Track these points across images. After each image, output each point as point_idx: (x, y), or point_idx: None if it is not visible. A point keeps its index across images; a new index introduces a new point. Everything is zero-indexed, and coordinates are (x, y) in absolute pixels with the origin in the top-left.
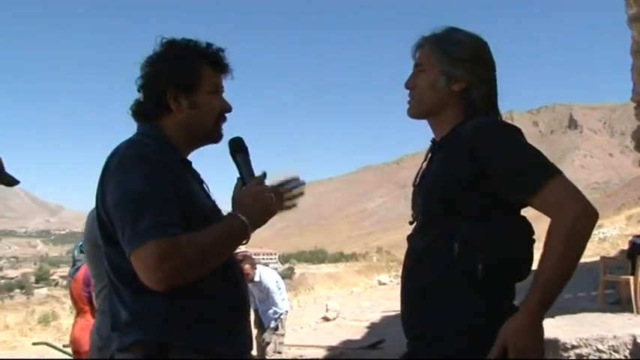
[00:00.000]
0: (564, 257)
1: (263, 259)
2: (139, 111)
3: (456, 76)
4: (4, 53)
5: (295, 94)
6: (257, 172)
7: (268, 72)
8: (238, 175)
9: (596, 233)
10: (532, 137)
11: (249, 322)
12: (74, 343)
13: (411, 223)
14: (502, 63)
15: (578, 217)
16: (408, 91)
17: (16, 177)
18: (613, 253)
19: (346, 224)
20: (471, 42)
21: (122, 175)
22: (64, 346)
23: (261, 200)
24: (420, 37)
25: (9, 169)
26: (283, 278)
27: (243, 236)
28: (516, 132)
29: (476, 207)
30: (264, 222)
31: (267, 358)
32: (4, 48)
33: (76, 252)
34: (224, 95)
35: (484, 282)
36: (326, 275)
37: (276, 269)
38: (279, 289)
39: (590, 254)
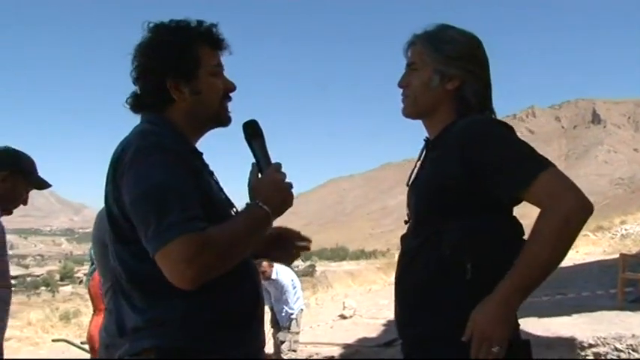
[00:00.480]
0: (552, 246)
1: None
2: (138, 104)
3: (449, 75)
4: (26, 50)
5: (316, 90)
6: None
7: (289, 67)
8: (254, 161)
9: (619, 230)
10: (554, 133)
11: (263, 319)
12: (90, 340)
13: (406, 222)
14: (523, 58)
15: (572, 209)
16: (401, 90)
17: (41, 175)
18: (635, 250)
19: (367, 221)
20: (464, 40)
21: (141, 167)
22: (81, 343)
23: (281, 189)
24: (412, 35)
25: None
26: (304, 276)
27: (267, 226)
28: (507, 129)
29: (466, 206)
30: (283, 211)
31: (283, 356)
32: (26, 44)
33: (92, 251)
34: (225, 73)
35: (473, 281)
36: (345, 273)
37: (297, 267)
38: (294, 287)
39: (612, 251)
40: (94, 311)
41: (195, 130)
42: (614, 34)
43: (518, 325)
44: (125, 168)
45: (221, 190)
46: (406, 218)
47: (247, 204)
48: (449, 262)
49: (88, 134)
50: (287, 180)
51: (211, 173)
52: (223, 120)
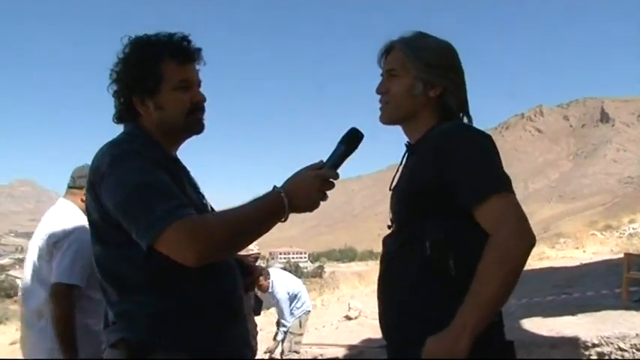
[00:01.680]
0: (495, 284)
1: (293, 258)
2: (116, 117)
3: (432, 82)
4: (44, 49)
5: (322, 90)
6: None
7: (298, 66)
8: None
9: (627, 228)
10: (563, 132)
11: (242, 317)
12: None
13: (389, 227)
14: (530, 57)
15: (512, 241)
16: (379, 97)
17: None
18: None
19: (376, 222)
20: (443, 48)
21: (119, 172)
22: None
23: (311, 190)
24: (389, 41)
25: (43, 174)
26: (313, 277)
27: (280, 215)
28: (485, 139)
29: (444, 208)
30: (302, 211)
31: (284, 357)
32: (43, 44)
33: None
34: (201, 78)
35: (457, 278)
36: (353, 273)
37: (306, 268)
38: (296, 298)
39: (619, 250)
40: None
41: (169, 139)
42: (621, 31)
43: (503, 325)
44: (103, 177)
45: (198, 193)
46: (389, 222)
47: (273, 189)
48: (431, 260)
49: (99, 138)
50: (326, 190)
51: (190, 178)
52: (193, 130)
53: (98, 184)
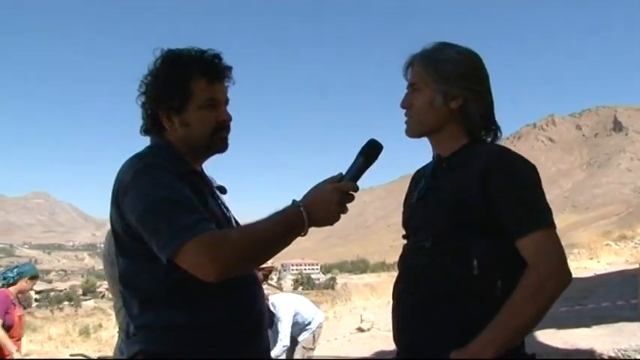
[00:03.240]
0: (527, 313)
1: (305, 269)
2: (143, 128)
3: (452, 94)
4: (52, 58)
5: (331, 100)
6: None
7: (309, 75)
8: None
9: None
10: (575, 141)
11: (261, 330)
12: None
13: (404, 237)
14: (542, 66)
15: (548, 277)
16: (404, 111)
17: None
18: None
19: (388, 233)
20: (464, 58)
21: (143, 185)
22: (99, 358)
23: (330, 204)
24: (410, 55)
25: (56, 187)
26: (325, 289)
27: (299, 230)
28: (532, 171)
29: (491, 226)
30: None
31: None
32: (51, 52)
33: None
34: (229, 96)
35: (503, 298)
36: (365, 285)
37: (318, 280)
38: (304, 322)
39: (634, 260)
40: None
41: (193, 155)
42: (634, 39)
43: (523, 339)
44: (127, 189)
45: (220, 206)
46: (404, 233)
47: (292, 203)
48: (478, 278)
49: (111, 150)
50: (346, 203)
51: (213, 192)
52: (217, 148)
53: (122, 196)
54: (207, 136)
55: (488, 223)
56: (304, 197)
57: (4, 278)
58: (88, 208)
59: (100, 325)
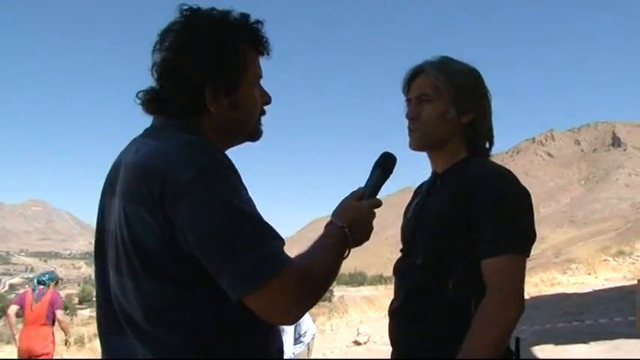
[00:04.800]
0: (481, 344)
1: None
2: (157, 105)
3: (464, 108)
4: (49, 61)
5: (335, 113)
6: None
7: (315, 86)
8: (363, 186)
9: (639, 254)
10: (574, 156)
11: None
12: None
13: (402, 251)
14: (541, 81)
15: (502, 308)
16: (407, 123)
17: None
18: None
19: (386, 246)
20: (473, 73)
21: (211, 192)
22: None
23: (368, 224)
24: (417, 65)
25: (54, 194)
26: (322, 301)
27: (344, 252)
28: (520, 195)
29: (470, 249)
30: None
31: None
32: (48, 55)
33: None
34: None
35: None
36: (362, 298)
37: None
38: (301, 330)
39: (632, 277)
40: None
41: (223, 143)
42: (633, 56)
43: (511, 351)
44: (184, 192)
45: None
46: (401, 247)
47: (333, 225)
48: (454, 300)
49: (107, 157)
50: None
51: None
52: (255, 136)
53: (170, 198)
54: (255, 120)
55: (469, 242)
56: (340, 216)
57: (42, 282)
58: (85, 216)
59: (96, 335)
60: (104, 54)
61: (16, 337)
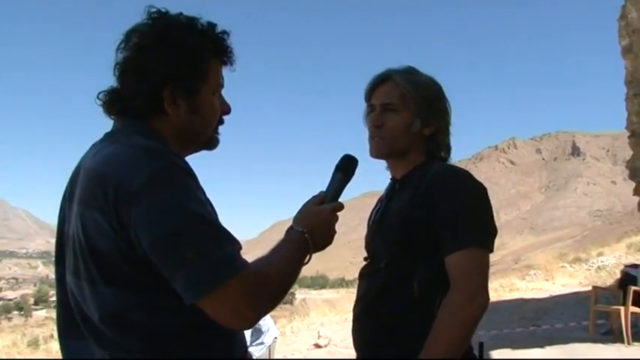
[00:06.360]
0: (445, 339)
1: None
2: (116, 106)
3: (428, 120)
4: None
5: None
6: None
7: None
8: (324, 190)
9: (595, 261)
10: (535, 164)
11: None
12: None
13: (366, 259)
14: (504, 89)
15: (466, 303)
16: (370, 129)
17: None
18: (610, 282)
19: (348, 250)
20: (436, 86)
21: (165, 196)
22: None
23: (330, 229)
24: (385, 72)
25: (10, 192)
26: (284, 304)
27: (305, 257)
28: (478, 190)
29: (432, 248)
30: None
31: None
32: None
33: None
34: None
35: None
36: (324, 301)
37: None
38: (259, 333)
39: (588, 283)
40: None
41: (179, 150)
42: (593, 69)
43: (472, 347)
44: (137, 197)
45: None
46: (365, 255)
47: (293, 230)
48: (419, 300)
49: (66, 153)
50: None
51: None
52: (212, 144)
53: (126, 203)
54: (212, 128)
55: (431, 242)
56: (301, 221)
57: None
58: (44, 214)
59: (52, 336)
60: (66, 47)
61: None
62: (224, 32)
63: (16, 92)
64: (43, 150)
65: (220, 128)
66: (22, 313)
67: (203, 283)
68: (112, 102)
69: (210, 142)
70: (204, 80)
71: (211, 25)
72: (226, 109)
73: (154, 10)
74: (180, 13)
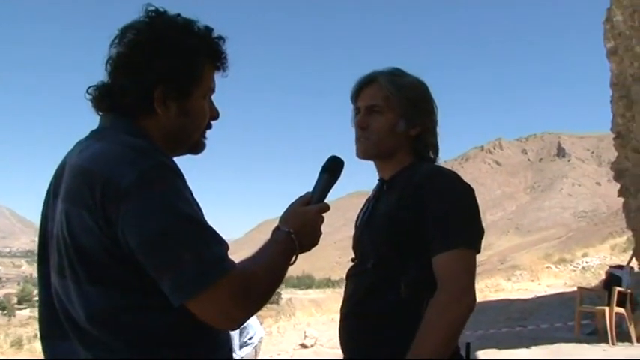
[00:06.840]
0: (433, 339)
1: None
2: (106, 102)
3: (414, 121)
4: None
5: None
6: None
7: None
8: (310, 191)
9: (580, 262)
10: (521, 165)
11: None
12: None
13: (353, 260)
14: (490, 90)
15: (454, 303)
16: (356, 131)
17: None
18: (594, 282)
19: (334, 250)
20: (422, 87)
21: (156, 195)
22: None
23: (316, 230)
24: (370, 74)
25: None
26: (270, 303)
27: (291, 258)
28: (466, 191)
29: (421, 248)
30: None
31: None
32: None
33: None
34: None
35: None
36: (310, 301)
37: None
38: (247, 333)
39: (573, 283)
40: None
41: (166, 152)
42: (578, 71)
43: (459, 348)
44: (127, 196)
45: None
46: (353, 256)
47: (280, 231)
48: (407, 300)
49: (51, 151)
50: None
51: None
52: (198, 149)
53: (114, 201)
54: (200, 132)
55: (419, 245)
56: (287, 222)
57: None
58: (27, 212)
59: (35, 336)
60: (66, 47)
61: None
62: (220, 37)
63: None
64: (27, 148)
65: (207, 133)
66: (6, 312)
67: (192, 284)
68: (101, 97)
69: (196, 147)
70: (197, 83)
71: (208, 30)
72: (215, 115)
73: (152, 8)
74: (178, 14)
